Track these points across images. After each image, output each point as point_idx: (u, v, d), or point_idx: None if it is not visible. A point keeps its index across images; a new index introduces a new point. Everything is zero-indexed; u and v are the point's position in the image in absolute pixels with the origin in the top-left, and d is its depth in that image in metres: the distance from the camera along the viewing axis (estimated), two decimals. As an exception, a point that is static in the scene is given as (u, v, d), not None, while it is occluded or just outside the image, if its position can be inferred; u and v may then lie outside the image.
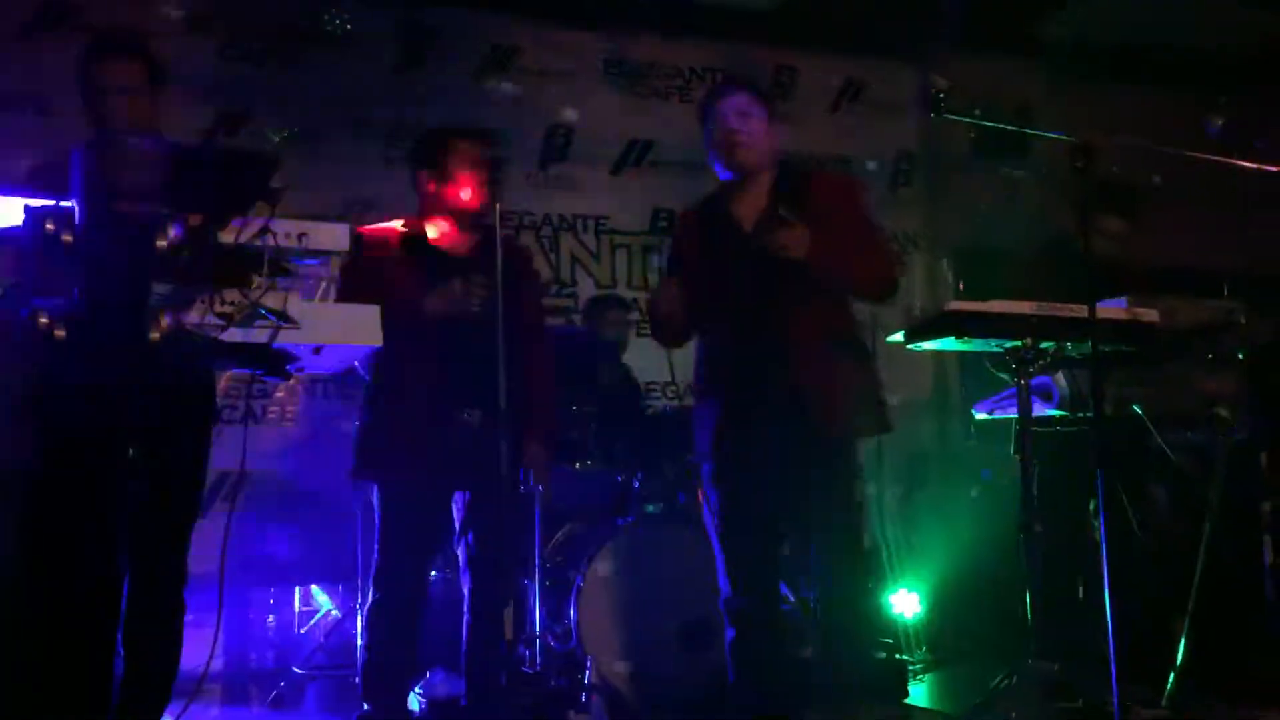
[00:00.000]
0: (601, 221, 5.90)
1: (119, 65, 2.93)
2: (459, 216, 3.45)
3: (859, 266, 3.19)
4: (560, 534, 4.30)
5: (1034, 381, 3.13)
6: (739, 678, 3.23)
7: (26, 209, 1.97)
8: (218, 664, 4.90)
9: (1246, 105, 5.80)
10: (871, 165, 6.31)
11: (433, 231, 3.48)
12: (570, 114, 5.88)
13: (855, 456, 3.43)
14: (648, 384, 5.41)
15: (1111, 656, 2.69)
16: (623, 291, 5.77)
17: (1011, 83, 6.11)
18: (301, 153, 5.26)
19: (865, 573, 3.40)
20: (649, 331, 3.82)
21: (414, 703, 3.81)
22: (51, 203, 1.97)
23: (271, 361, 2.31)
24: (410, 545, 3.44)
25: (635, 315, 5.49)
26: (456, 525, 3.52)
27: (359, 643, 4.01)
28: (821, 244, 3.03)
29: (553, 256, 5.83)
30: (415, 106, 5.52)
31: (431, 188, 3.45)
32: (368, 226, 3.51)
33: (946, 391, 6.24)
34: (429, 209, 3.49)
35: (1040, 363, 3.09)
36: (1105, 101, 6.12)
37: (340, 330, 2.38)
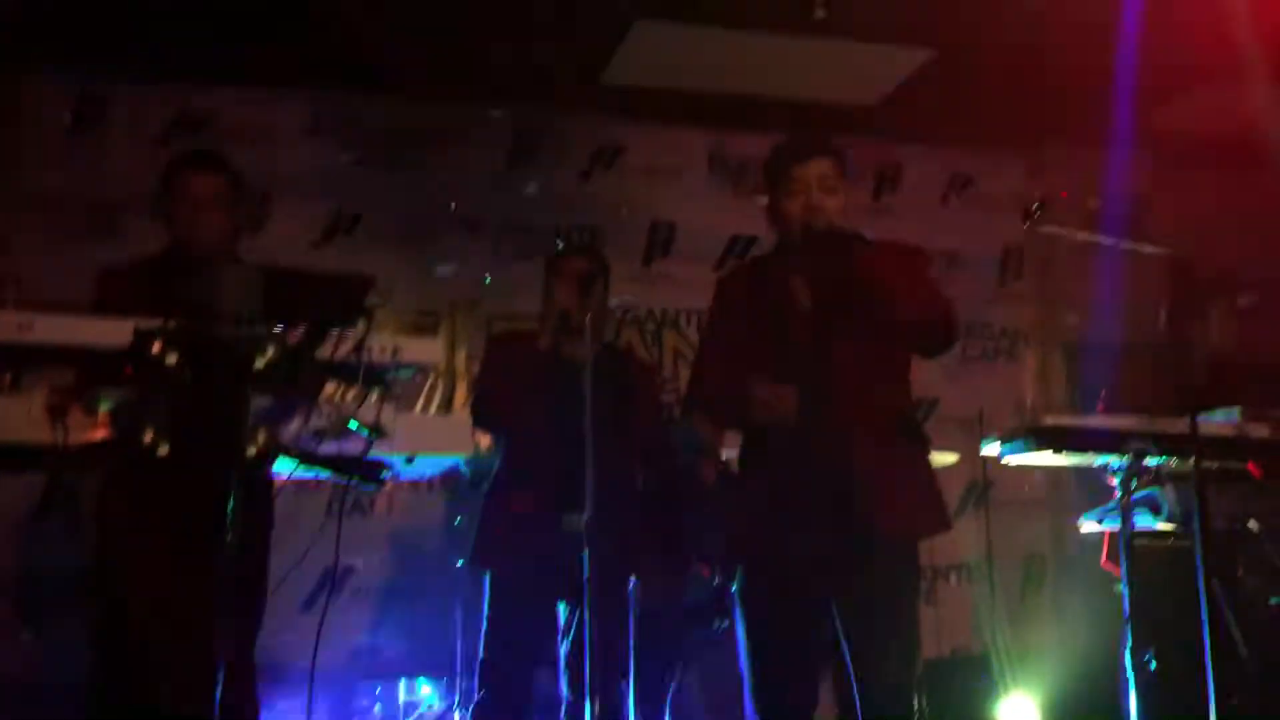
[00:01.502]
0: (703, 316, 5.91)
1: (200, 178, 3.06)
2: (562, 326, 3.53)
3: (911, 306, 2.82)
4: (656, 637, 4.25)
5: (1139, 495, 3.01)
6: None
7: (135, 330, 2.05)
8: (323, 754, 4.95)
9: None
10: (980, 259, 6.23)
11: (550, 339, 3.57)
12: (673, 211, 5.96)
13: (914, 561, 2.92)
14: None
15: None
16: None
17: (1123, 173, 5.99)
18: (410, 252, 5.43)
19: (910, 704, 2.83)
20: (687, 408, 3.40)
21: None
22: (159, 323, 2.05)
23: (365, 471, 2.37)
24: (516, 641, 3.49)
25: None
26: (559, 630, 3.55)
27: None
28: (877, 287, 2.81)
29: (655, 350, 5.88)
30: (522, 206, 5.67)
31: (545, 297, 3.64)
32: (503, 334, 3.98)
33: (1061, 490, 6.04)
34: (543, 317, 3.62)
35: (1144, 477, 2.96)
36: (1217, 191, 5.96)
37: (431, 440, 2.45)
